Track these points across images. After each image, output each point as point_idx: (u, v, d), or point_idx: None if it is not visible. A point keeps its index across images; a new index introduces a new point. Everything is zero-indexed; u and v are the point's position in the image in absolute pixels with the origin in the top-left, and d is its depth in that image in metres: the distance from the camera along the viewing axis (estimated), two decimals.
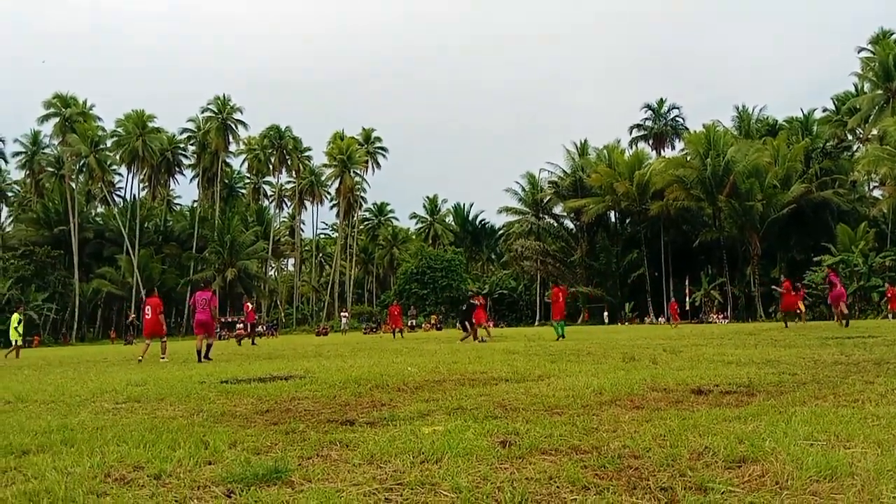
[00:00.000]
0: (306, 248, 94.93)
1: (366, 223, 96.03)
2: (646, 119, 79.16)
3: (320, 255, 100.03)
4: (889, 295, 33.55)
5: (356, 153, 79.80)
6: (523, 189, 73.18)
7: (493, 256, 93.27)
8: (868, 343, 11.89)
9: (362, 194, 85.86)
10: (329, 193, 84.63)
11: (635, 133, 79.20)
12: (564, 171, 70.29)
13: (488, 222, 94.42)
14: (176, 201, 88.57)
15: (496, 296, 75.79)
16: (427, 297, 72.68)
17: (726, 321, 48.82)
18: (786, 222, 53.56)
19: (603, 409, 4.71)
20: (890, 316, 32.69)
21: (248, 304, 31.94)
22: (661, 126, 78.31)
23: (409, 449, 3.47)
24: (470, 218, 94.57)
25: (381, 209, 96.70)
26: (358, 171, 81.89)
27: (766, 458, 3.06)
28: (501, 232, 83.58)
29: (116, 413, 5.52)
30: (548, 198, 71.76)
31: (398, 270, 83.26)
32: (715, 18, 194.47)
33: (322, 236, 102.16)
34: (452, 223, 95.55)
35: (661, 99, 78.91)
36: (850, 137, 63.30)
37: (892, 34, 58.46)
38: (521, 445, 3.48)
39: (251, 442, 3.87)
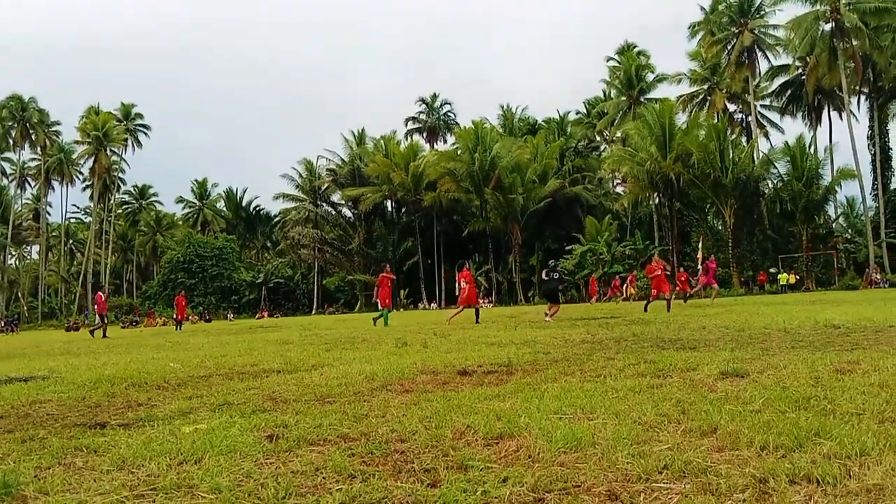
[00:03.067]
0: (54, 233, 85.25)
1: (125, 207, 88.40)
2: (420, 112, 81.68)
3: (71, 241, 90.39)
4: (629, 280, 38.09)
5: (114, 130, 72.90)
6: (301, 176, 71.95)
7: (269, 244, 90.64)
8: (611, 323, 13.36)
9: (121, 175, 78.91)
10: (81, 173, 76.68)
11: (411, 125, 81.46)
12: (343, 160, 70.24)
13: (263, 209, 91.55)
14: None
15: (272, 284, 73.92)
16: (196, 287, 68.85)
17: (491, 305, 52.03)
18: (543, 214, 58.27)
19: (374, 396, 4.77)
20: (631, 299, 37.02)
21: None
22: (434, 120, 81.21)
23: (167, 451, 3.23)
24: (243, 204, 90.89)
25: (142, 192, 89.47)
26: (116, 150, 75.04)
27: (520, 434, 3.27)
28: (278, 219, 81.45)
29: None
30: (326, 185, 71.24)
31: (162, 259, 77.86)
32: (490, 21, 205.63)
33: (73, 221, 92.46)
34: (224, 209, 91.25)
35: (435, 94, 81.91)
36: (598, 138, 70.64)
37: (635, 47, 65.98)
38: (288, 438, 3.40)
39: None
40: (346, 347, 9.96)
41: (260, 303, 72.33)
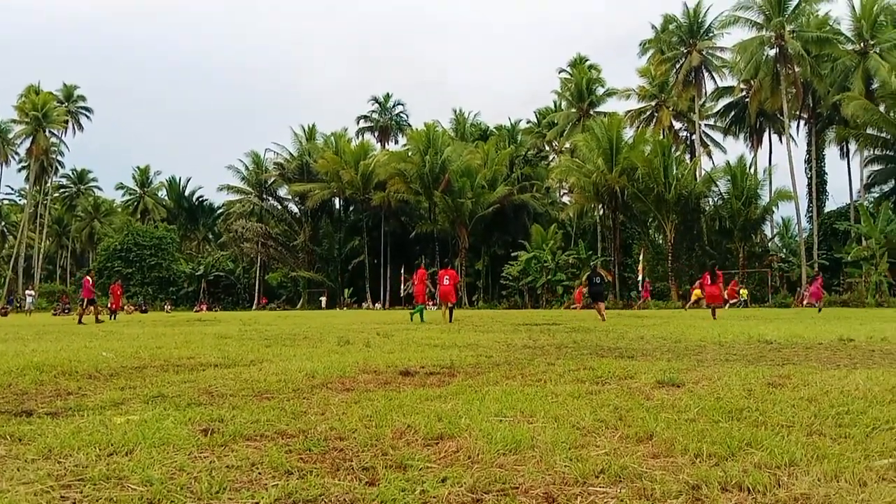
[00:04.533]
0: None
1: (62, 191, 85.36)
2: (373, 111, 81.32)
3: (3, 223, 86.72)
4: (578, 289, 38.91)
5: (54, 111, 70.33)
6: (247, 168, 70.78)
7: (211, 236, 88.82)
8: (552, 329, 13.53)
9: (59, 158, 76.12)
10: (17, 154, 73.57)
11: (362, 124, 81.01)
12: (291, 154, 69.44)
13: (207, 200, 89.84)
14: None
15: (212, 277, 72.40)
16: (132, 277, 66.95)
17: (436, 307, 52.02)
18: (490, 220, 58.73)
19: (314, 393, 4.71)
20: (574, 307, 37.83)
21: None
22: (386, 120, 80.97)
23: (96, 441, 3.12)
24: (186, 193, 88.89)
25: (81, 176, 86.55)
26: (55, 132, 72.39)
27: (461, 435, 3.28)
28: (221, 211, 79.91)
29: None
30: (272, 179, 70.24)
31: (99, 246, 75.43)
32: (447, 25, 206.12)
33: (6, 202, 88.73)
34: (166, 198, 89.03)
35: (388, 94, 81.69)
36: (547, 148, 71.56)
37: (587, 60, 67.17)
38: (224, 433, 3.32)
39: None
40: (286, 344, 9.82)
41: (199, 295, 70.76)
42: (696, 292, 36.29)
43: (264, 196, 71.32)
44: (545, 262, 51.76)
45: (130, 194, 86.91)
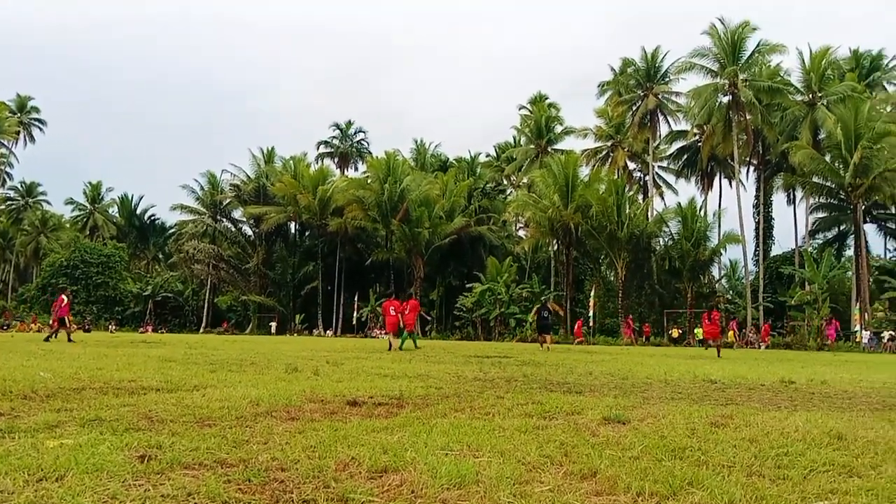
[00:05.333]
0: None
1: (9, 203, 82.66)
2: (333, 137, 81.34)
3: None
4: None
5: (5, 122, 68.55)
6: (202, 188, 69.79)
7: (161, 256, 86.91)
8: (503, 362, 13.55)
9: (8, 170, 73.98)
10: None
11: (322, 149, 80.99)
12: (248, 176, 68.75)
13: (159, 219, 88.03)
14: None
15: (159, 298, 70.71)
16: (77, 295, 64.97)
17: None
18: (447, 250, 58.88)
19: (257, 421, 4.61)
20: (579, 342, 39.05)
21: None
22: (347, 146, 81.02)
23: (26, 465, 3.00)
24: (138, 212, 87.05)
25: (30, 189, 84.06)
26: (5, 143, 70.44)
27: (405, 468, 3.24)
28: (173, 231, 78.34)
29: None
30: (228, 200, 69.33)
31: (44, 261, 73.12)
32: (412, 56, 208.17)
33: None
34: (117, 215, 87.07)
35: (350, 121, 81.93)
36: (505, 182, 72.44)
37: (546, 98, 68.56)
38: (161, 460, 3.22)
39: None
40: (232, 370, 9.61)
41: (145, 316, 68.99)
42: (698, 331, 40.31)
43: (218, 217, 70.28)
44: (499, 294, 52.01)
45: (80, 210, 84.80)
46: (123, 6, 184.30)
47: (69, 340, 21.03)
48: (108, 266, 69.15)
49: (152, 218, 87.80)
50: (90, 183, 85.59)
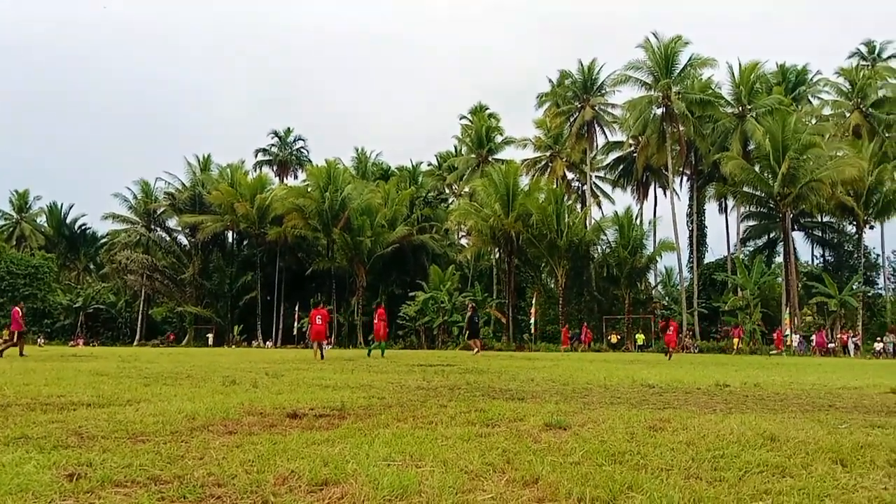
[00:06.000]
0: None
1: None
2: (272, 145, 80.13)
3: None
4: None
5: None
6: (135, 197, 67.68)
7: (92, 266, 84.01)
8: (446, 371, 13.54)
9: None
10: None
11: (261, 157, 79.58)
12: (184, 184, 67.06)
13: (90, 228, 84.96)
14: None
15: (91, 310, 68.27)
16: (3, 307, 62.06)
17: (330, 346, 51.10)
18: (389, 259, 58.72)
19: (194, 436, 4.47)
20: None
21: None
22: (286, 154, 79.93)
23: None
24: (68, 221, 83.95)
25: None
26: None
27: (346, 480, 3.19)
28: (105, 240, 75.76)
29: None
30: (162, 209, 67.48)
31: None
32: (353, 64, 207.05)
33: None
34: (45, 224, 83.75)
35: (289, 128, 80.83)
36: (447, 191, 72.78)
37: (487, 109, 69.28)
38: (91, 478, 3.09)
39: None
40: (167, 383, 9.32)
41: (76, 329, 66.45)
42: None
43: (152, 226, 68.31)
44: (442, 302, 52.12)
45: (6, 219, 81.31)
46: (49, 14, 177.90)
47: (21, 355, 20.17)
48: (36, 277, 66.54)
49: (83, 227, 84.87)
50: (16, 191, 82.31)
